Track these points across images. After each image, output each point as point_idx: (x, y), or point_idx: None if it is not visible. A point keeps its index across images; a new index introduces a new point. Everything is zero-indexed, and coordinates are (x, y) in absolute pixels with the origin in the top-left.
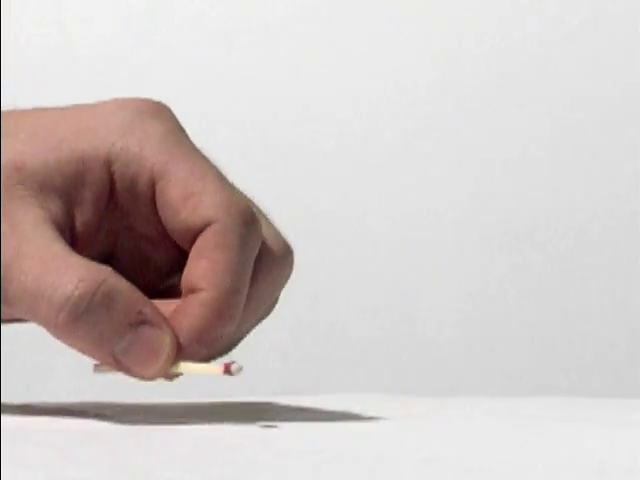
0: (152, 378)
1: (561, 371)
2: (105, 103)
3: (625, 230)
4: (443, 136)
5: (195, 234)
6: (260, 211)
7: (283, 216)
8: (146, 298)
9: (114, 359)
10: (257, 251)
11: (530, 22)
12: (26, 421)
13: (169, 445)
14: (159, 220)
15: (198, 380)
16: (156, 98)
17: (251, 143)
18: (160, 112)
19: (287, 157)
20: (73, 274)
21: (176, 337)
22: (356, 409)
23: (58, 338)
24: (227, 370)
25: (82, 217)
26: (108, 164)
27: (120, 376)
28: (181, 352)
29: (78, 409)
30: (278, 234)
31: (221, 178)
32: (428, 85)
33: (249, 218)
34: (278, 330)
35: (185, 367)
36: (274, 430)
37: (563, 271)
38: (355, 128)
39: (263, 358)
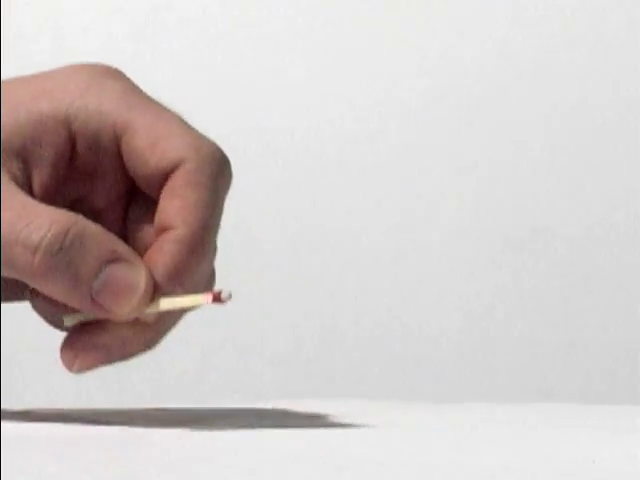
0: (129, 316)
1: (562, 377)
2: (62, 68)
3: (626, 236)
4: (443, 143)
5: (164, 178)
6: None
7: (284, 222)
8: (118, 238)
9: (92, 301)
10: (229, 189)
11: (531, 29)
12: (26, 427)
13: (169, 451)
14: (124, 177)
15: (198, 383)
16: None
17: (251, 150)
18: (115, 73)
19: (286, 164)
20: (45, 217)
21: (151, 274)
22: (355, 415)
23: (36, 284)
24: (216, 298)
25: (40, 178)
26: (67, 124)
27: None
28: (158, 290)
29: (77, 415)
30: None
31: (186, 123)
32: (427, 93)
33: (220, 157)
34: (277, 335)
35: (166, 302)
36: (273, 435)
37: (563, 277)
38: (355, 134)
39: (262, 363)
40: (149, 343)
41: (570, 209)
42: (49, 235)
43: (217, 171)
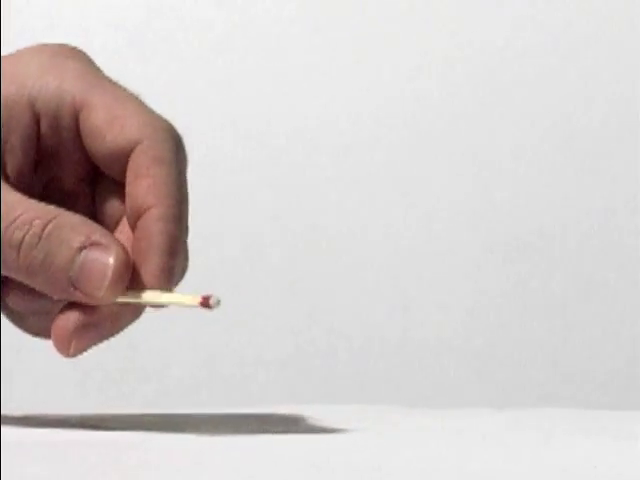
0: (106, 300)
1: (563, 382)
2: (24, 49)
3: (627, 242)
4: (444, 147)
5: (123, 156)
6: None
7: (284, 226)
8: (96, 224)
9: (72, 288)
10: (187, 165)
11: (533, 32)
12: (26, 432)
13: (169, 456)
14: (87, 156)
15: (198, 389)
16: (154, 108)
17: (250, 154)
18: (76, 53)
19: (287, 168)
20: (28, 214)
21: (127, 255)
22: (356, 420)
23: (25, 279)
24: (205, 303)
25: (13, 164)
26: (31, 106)
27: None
28: (129, 269)
29: (77, 421)
30: None
31: (142, 103)
32: (428, 96)
33: (175, 134)
34: (278, 340)
35: (155, 296)
36: (274, 441)
37: (566, 282)
38: (356, 139)
39: (264, 368)
40: (137, 311)
41: (573, 216)
42: (30, 232)
43: (175, 147)
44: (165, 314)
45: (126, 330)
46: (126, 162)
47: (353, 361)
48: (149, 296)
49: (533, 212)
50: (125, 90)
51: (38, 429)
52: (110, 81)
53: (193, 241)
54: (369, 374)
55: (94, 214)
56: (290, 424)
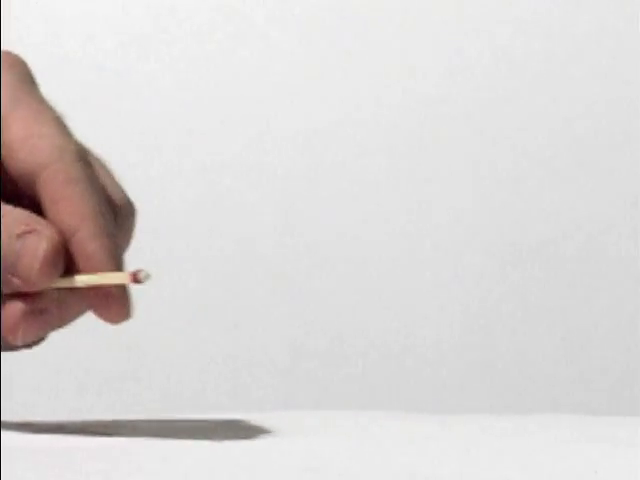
0: (42, 285)
1: (563, 388)
2: None
3: (627, 250)
4: (445, 153)
5: (32, 177)
6: (100, 161)
7: (283, 232)
8: (33, 214)
9: (11, 275)
10: (99, 186)
11: (534, 38)
12: (26, 439)
13: (169, 462)
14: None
15: (197, 397)
16: (153, 114)
17: (251, 158)
18: (13, 63)
19: (286, 178)
20: None
21: (61, 239)
22: (357, 426)
23: None
24: (135, 279)
25: None
26: None
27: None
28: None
29: (77, 427)
30: (119, 185)
31: (60, 124)
32: (430, 104)
33: (82, 159)
34: (277, 346)
35: (84, 279)
36: (273, 447)
37: (566, 288)
38: (356, 147)
39: (262, 374)
40: (83, 300)
41: (574, 222)
42: None
43: (81, 169)
44: (163, 322)
45: (125, 336)
46: (35, 184)
47: (352, 366)
48: (83, 279)
49: (533, 219)
50: (49, 108)
51: (38, 435)
52: (37, 98)
53: (191, 246)
54: (369, 379)
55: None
56: (288, 430)
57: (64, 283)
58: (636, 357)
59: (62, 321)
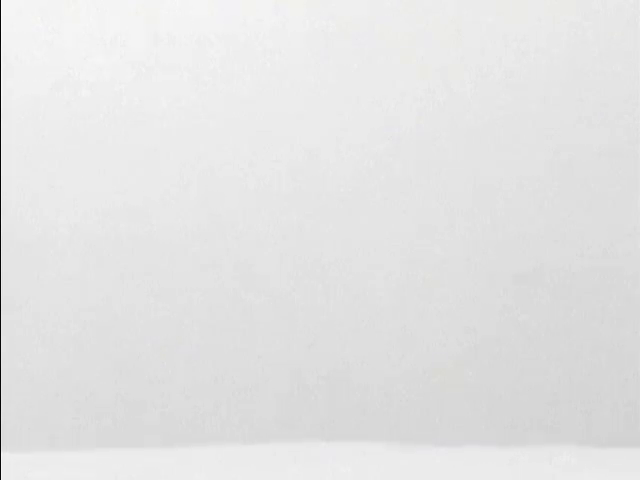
0: None
1: (567, 418)
2: None
3: (628, 273)
4: (448, 177)
5: None
6: None
7: (287, 261)
8: None
9: None
10: None
11: (529, 64)
12: (27, 473)
13: None
14: None
15: (200, 424)
16: (155, 141)
17: (251, 182)
18: None
19: (290, 204)
20: None
21: None
22: (356, 458)
23: None
24: None
25: None
26: None
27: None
28: None
29: (77, 460)
30: None
31: None
32: (433, 127)
33: None
34: (278, 376)
35: None
36: (275, 477)
37: (566, 316)
38: (358, 166)
39: (263, 404)
40: None
41: (575, 247)
42: None
43: None
44: (162, 350)
45: (124, 363)
46: None
47: (352, 397)
48: None
49: (534, 244)
50: None
51: (39, 471)
52: None
53: (193, 273)
54: (368, 410)
55: None
56: (289, 460)
57: None
58: (636, 386)
59: None
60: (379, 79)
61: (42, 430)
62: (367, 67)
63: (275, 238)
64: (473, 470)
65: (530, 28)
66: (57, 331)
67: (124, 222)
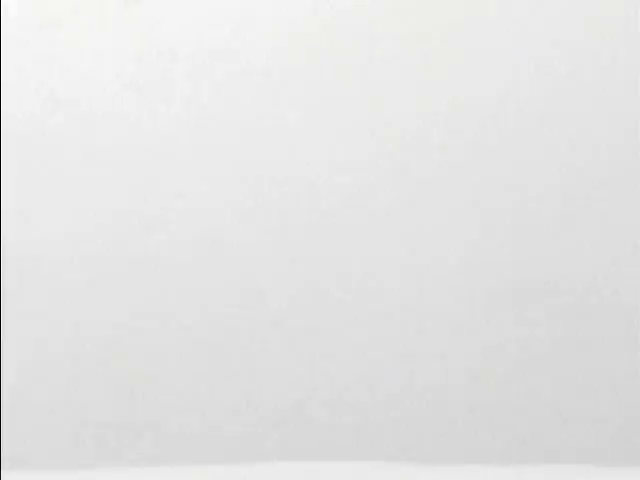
0: None
1: (570, 437)
2: None
3: (633, 293)
4: (450, 196)
5: None
6: None
7: (290, 279)
8: None
9: None
10: None
11: (532, 81)
12: None
13: None
14: None
15: (195, 445)
16: (156, 159)
17: (252, 206)
18: None
19: (290, 225)
20: None
21: None
22: (357, 477)
23: None
24: None
25: None
26: None
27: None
28: None
29: (80, 478)
30: None
31: None
32: (433, 148)
33: None
34: (278, 395)
35: None
36: None
37: (569, 337)
38: (360, 187)
39: (263, 422)
40: None
41: (577, 265)
42: None
43: None
44: (163, 370)
45: (125, 383)
46: None
47: (352, 415)
48: None
49: (538, 263)
50: None
51: None
52: None
53: (195, 299)
54: (369, 428)
55: None
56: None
57: None
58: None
59: None
60: (378, 86)
61: (43, 449)
62: (366, 79)
63: (277, 258)
64: None
65: (534, 33)
66: (57, 350)
67: (125, 240)
